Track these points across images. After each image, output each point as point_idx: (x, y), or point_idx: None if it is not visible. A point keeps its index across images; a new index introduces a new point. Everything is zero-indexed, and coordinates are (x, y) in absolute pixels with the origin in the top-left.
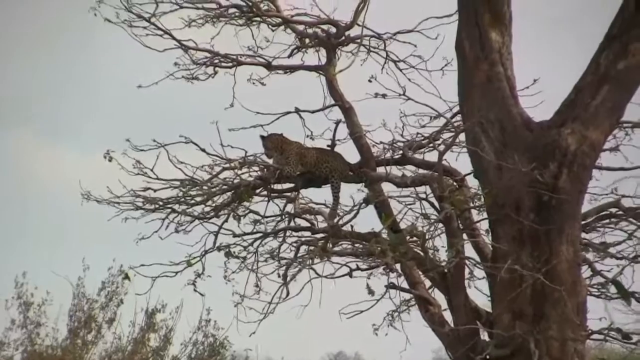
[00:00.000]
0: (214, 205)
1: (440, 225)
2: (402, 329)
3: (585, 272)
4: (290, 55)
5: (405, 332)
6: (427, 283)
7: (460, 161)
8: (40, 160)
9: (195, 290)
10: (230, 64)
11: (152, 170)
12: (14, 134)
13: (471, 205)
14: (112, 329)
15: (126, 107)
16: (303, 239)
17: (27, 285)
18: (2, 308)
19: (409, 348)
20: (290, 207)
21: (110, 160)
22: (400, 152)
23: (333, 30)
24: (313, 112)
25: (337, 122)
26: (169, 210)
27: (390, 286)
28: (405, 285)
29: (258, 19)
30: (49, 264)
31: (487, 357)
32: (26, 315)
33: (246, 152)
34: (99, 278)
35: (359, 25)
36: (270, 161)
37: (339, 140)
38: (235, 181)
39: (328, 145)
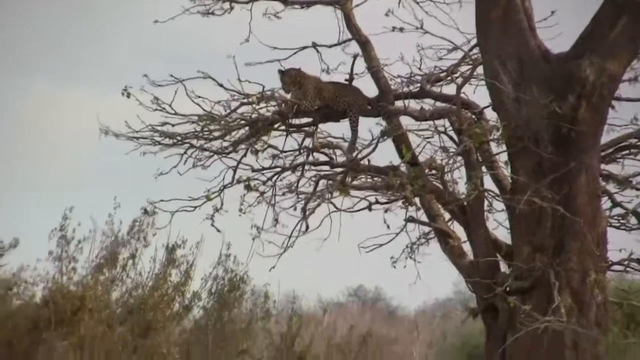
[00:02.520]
0: (232, 140)
1: (459, 158)
2: (415, 264)
3: (605, 203)
4: None
5: (424, 265)
6: (447, 216)
7: (478, 94)
8: (56, 104)
9: (212, 226)
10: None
11: (170, 105)
12: (30, 79)
13: (490, 137)
14: (135, 265)
15: (143, 44)
16: (322, 173)
17: (70, 220)
18: (45, 238)
19: (429, 280)
20: (308, 142)
21: (128, 97)
22: (419, 85)
23: None
24: (330, 46)
25: (355, 56)
26: (188, 145)
27: (410, 219)
28: (424, 218)
29: None
30: (70, 204)
31: (507, 289)
32: (65, 249)
33: (264, 87)
34: (123, 217)
35: None
36: (288, 96)
37: (356, 74)
38: (253, 116)
39: (346, 80)
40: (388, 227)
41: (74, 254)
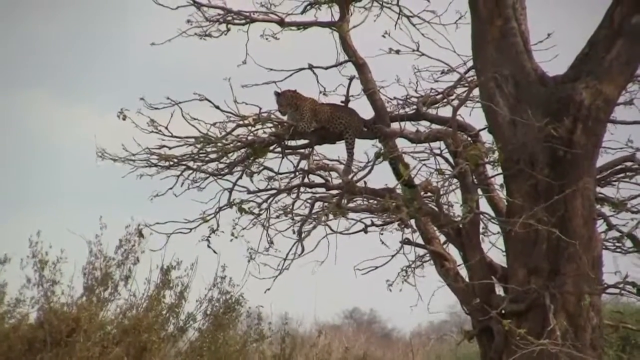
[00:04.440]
0: (228, 162)
1: (455, 180)
2: (414, 285)
3: (601, 226)
4: (303, 12)
5: (420, 288)
6: (442, 238)
7: (474, 116)
8: (55, 121)
9: (209, 247)
10: (243, 21)
11: (166, 128)
12: (30, 95)
13: (485, 160)
14: (128, 286)
15: (140, 66)
16: (317, 195)
17: (41, 244)
18: (17, 267)
19: (424, 303)
20: (304, 164)
21: (124, 119)
22: (414, 107)
23: None
24: (326, 68)
25: (351, 78)
26: (184, 167)
27: (405, 242)
28: (420, 241)
29: None
30: (64, 223)
31: (503, 312)
32: (42, 273)
33: (260, 108)
34: (114, 236)
35: None
36: (284, 118)
37: (352, 96)
38: (249, 138)
39: (342, 102)
40: (387, 246)
41: (54, 276)
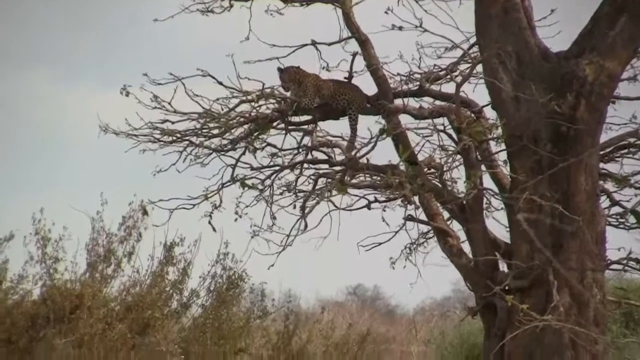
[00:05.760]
0: (231, 138)
1: (458, 156)
2: (415, 262)
3: (604, 202)
4: None
5: (423, 264)
6: (446, 215)
7: (477, 92)
8: (56, 99)
9: (209, 224)
10: None
11: (169, 103)
12: (30, 73)
13: (489, 136)
14: (131, 262)
15: (142, 43)
16: (321, 171)
17: (44, 221)
18: (20, 244)
19: (428, 280)
20: (307, 140)
21: (127, 95)
22: (418, 84)
23: None
24: (329, 44)
25: (354, 54)
26: (187, 142)
27: (409, 218)
28: (423, 217)
29: None
30: (66, 201)
31: (506, 288)
32: (44, 250)
33: (263, 84)
34: (117, 213)
35: None
36: (288, 94)
37: (356, 72)
38: (252, 114)
39: (345, 78)
40: (387, 225)
41: (57, 253)
